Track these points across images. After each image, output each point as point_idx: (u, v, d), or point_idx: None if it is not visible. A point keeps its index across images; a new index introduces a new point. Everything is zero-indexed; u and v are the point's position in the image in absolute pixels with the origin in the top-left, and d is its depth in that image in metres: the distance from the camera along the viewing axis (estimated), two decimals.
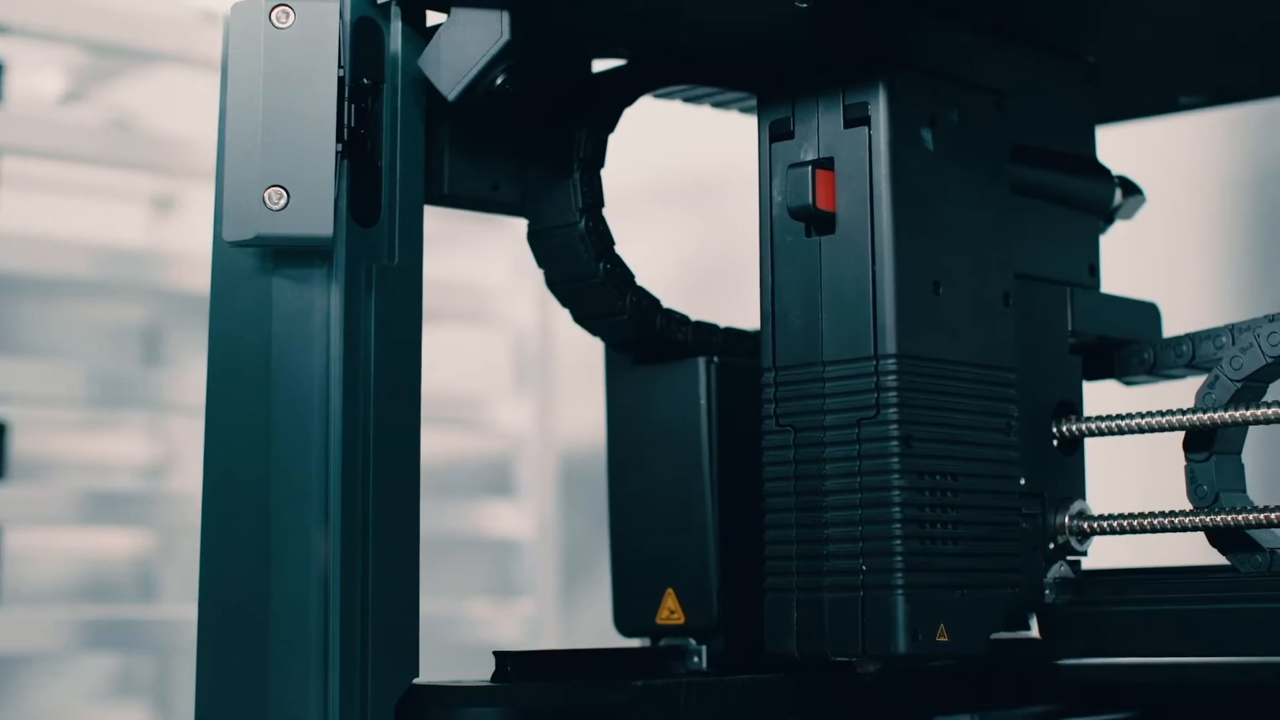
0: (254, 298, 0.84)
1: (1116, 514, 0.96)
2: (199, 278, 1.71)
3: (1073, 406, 0.99)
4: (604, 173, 0.96)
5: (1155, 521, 0.93)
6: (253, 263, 0.85)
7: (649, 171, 1.89)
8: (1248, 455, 0.93)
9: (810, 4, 0.86)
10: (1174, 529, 0.92)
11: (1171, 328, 1.03)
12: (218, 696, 0.84)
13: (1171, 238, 1.49)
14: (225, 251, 0.85)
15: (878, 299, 0.88)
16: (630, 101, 0.98)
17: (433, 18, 0.89)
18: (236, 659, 0.83)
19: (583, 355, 1.31)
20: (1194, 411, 0.91)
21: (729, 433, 0.96)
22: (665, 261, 1.85)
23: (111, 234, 2.18)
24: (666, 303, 0.97)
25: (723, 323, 0.99)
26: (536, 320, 1.89)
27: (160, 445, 2.28)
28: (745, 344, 0.99)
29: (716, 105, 1.09)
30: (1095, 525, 0.96)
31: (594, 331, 0.98)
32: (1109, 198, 1.04)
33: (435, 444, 1.11)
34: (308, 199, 0.83)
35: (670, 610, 0.97)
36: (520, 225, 0.97)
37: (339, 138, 0.84)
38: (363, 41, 0.86)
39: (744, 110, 1.09)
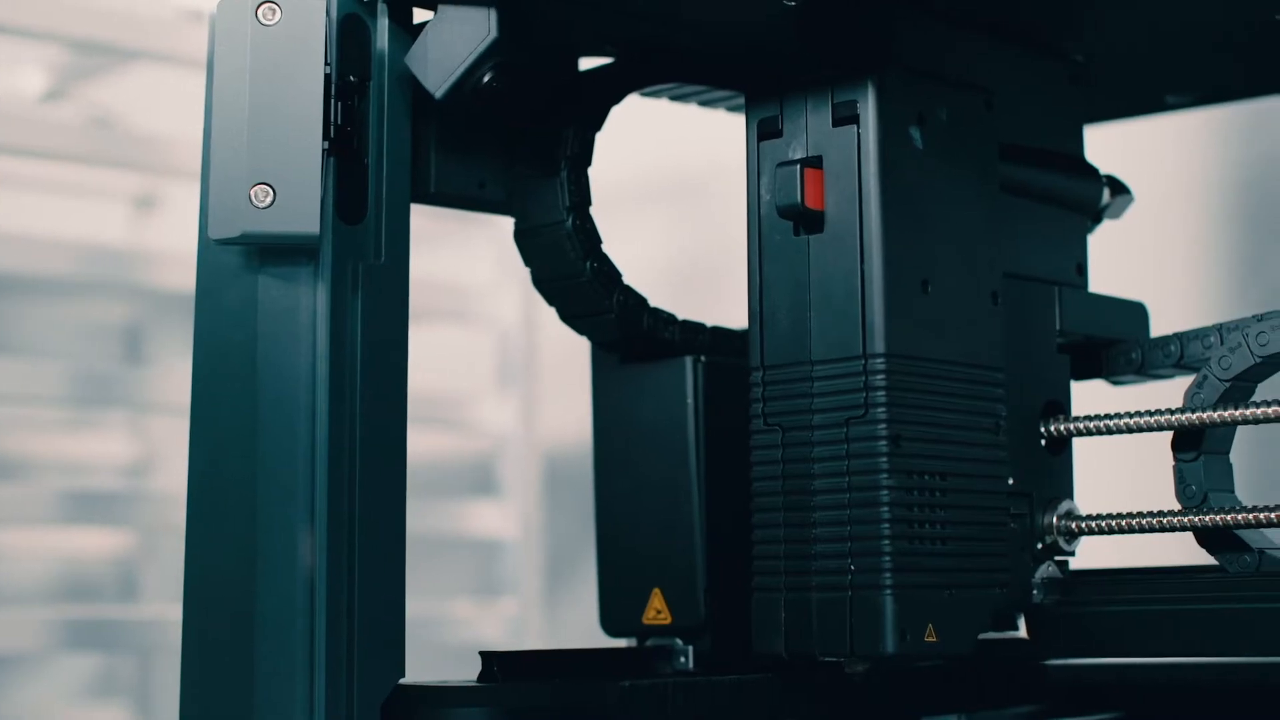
0: (239, 296, 0.84)
1: (1104, 514, 0.95)
2: (181, 276, 1.70)
3: (1061, 406, 0.99)
4: (591, 171, 0.96)
5: (1143, 521, 0.93)
6: (238, 261, 0.84)
7: (636, 170, 1.89)
8: (1236, 455, 0.93)
9: (799, 2, 0.86)
10: (1162, 529, 0.92)
11: (1159, 327, 1.03)
12: (202, 696, 0.83)
13: (1159, 237, 1.49)
14: (211, 249, 0.84)
15: (866, 298, 0.87)
16: (618, 100, 0.97)
17: (419, 15, 0.89)
18: (221, 659, 0.83)
19: (567, 354, 1.31)
20: (1182, 411, 0.91)
21: (716, 432, 0.96)
22: (652, 260, 1.84)
23: (93, 232, 2.17)
24: (654, 301, 0.97)
25: (710, 322, 0.99)
26: (521, 319, 1.89)
27: (142, 445, 2.28)
28: (733, 343, 0.98)
29: (703, 104, 1.09)
30: (1083, 525, 0.96)
31: (581, 330, 0.98)
32: (1097, 197, 1.04)
33: (419, 443, 1.11)
34: (294, 197, 0.82)
35: (657, 610, 0.96)
36: (505, 224, 0.97)
37: (325, 135, 0.84)
38: (349, 39, 0.86)
39: (731, 109, 1.09)
